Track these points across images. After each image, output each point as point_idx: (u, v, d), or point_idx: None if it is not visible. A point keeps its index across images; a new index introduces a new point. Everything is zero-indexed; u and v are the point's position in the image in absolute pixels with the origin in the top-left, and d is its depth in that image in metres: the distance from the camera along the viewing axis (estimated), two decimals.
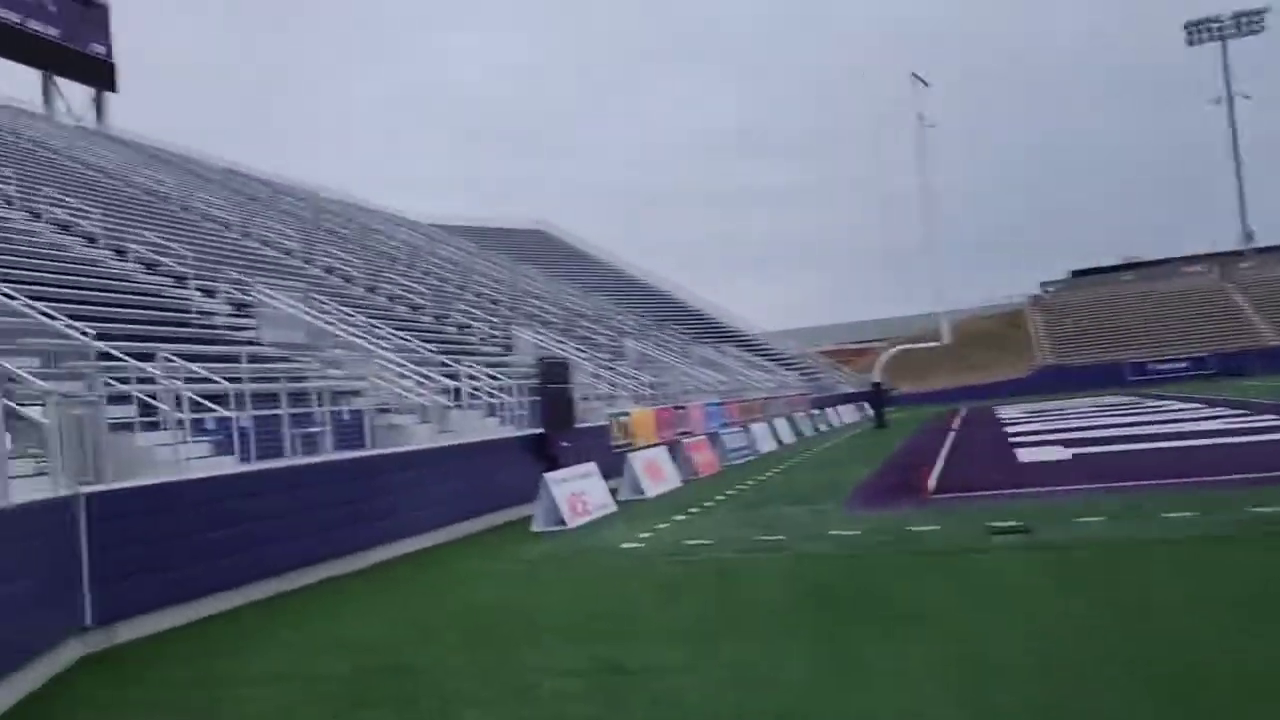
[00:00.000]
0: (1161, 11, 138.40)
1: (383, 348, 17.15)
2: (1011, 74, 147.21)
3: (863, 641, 6.23)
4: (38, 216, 19.88)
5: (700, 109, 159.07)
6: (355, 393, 14.91)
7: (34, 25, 41.29)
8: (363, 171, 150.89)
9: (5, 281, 12.66)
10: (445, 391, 16.76)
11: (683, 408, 25.87)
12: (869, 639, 6.28)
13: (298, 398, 12.59)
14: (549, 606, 8.42)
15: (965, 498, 12.97)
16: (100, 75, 44.72)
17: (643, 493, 16.85)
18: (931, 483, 14.29)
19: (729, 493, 16.52)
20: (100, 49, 44.60)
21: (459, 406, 16.79)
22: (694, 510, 14.30)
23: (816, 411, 40.41)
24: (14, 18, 40.11)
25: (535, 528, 13.30)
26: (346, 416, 13.78)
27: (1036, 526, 9.83)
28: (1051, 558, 8.46)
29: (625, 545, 11.23)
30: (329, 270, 27.22)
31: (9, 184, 21.09)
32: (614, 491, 16.26)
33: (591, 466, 15.44)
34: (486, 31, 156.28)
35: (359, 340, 16.66)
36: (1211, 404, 30.46)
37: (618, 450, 19.30)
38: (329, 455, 11.20)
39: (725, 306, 63.43)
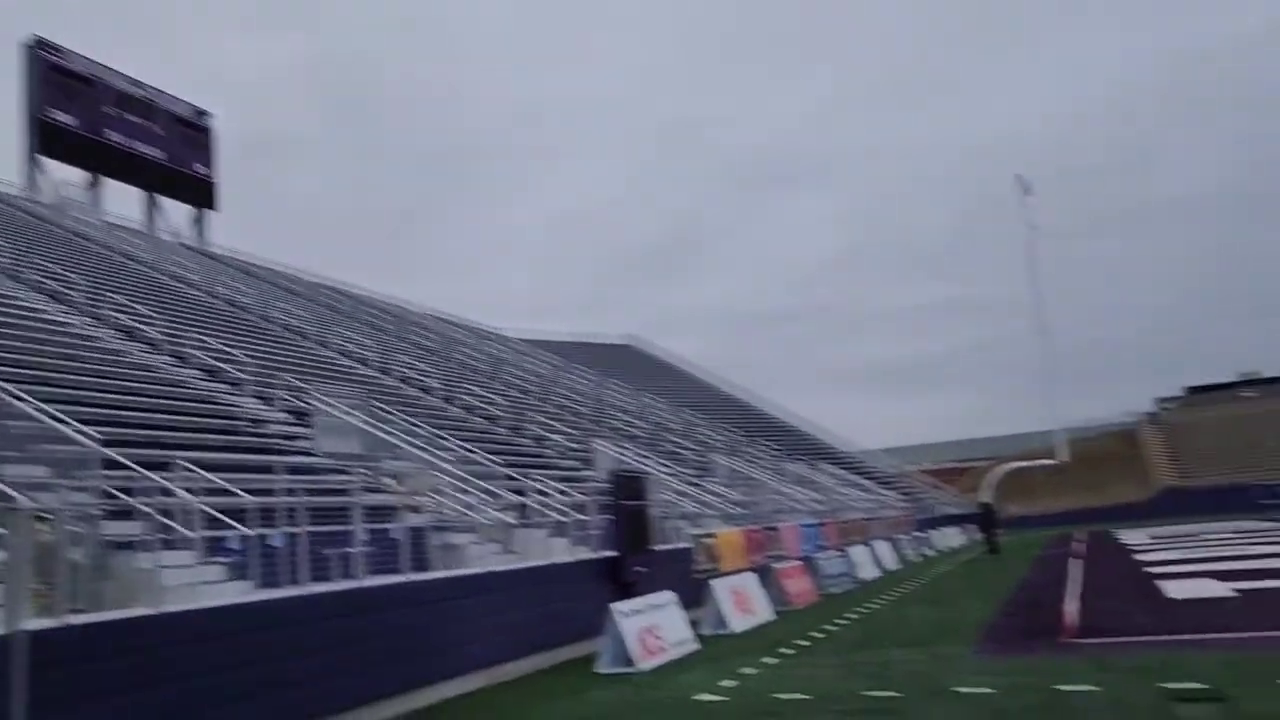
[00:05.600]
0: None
1: (445, 460, 15.80)
2: (1123, 190, 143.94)
3: None
4: (101, 321, 19.47)
5: (809, 232, 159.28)
6: (412, 509, 13.52)
7: (141, 148, 43.05)
8: (482, 299, 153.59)
9: (33, 384, 11.76)
10: (510, 508, 15.27)
11: (775, 528, 23.81)
12: None
13: (340, 513, 11.22)
14: None
15: (1116, 644, 10.74)
16: (201, 194, 46.24)
17: (727, 626, 14.89)
18: (1071, 623, 12.04)
19: (828, 629, 14.44)
20: (203, 169, 46.24)
21: (525, 525, 15.22)
22: (787, 651, 12.30)
23: (919, 534, 37.63)
24: (120, 139, 41.89)
25: (599, 668, 11.49)
26: (397, 535, 12.32)
27: (1230, 690, 7.67)
28: None
29: (702, 697, 9.34)
30: (404, 380, 26.37)
31: (76, 289, 20.86)
32: (695, 624, 14.37)
33: (669, 595, 13.61)
34: (604, 160, 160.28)
35: (419, 452, 15.36)
36: None
37: (701, 576, 17.40)
38: (359, 581, 9.70)
39: (819, 423, 61.16)
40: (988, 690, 8.60)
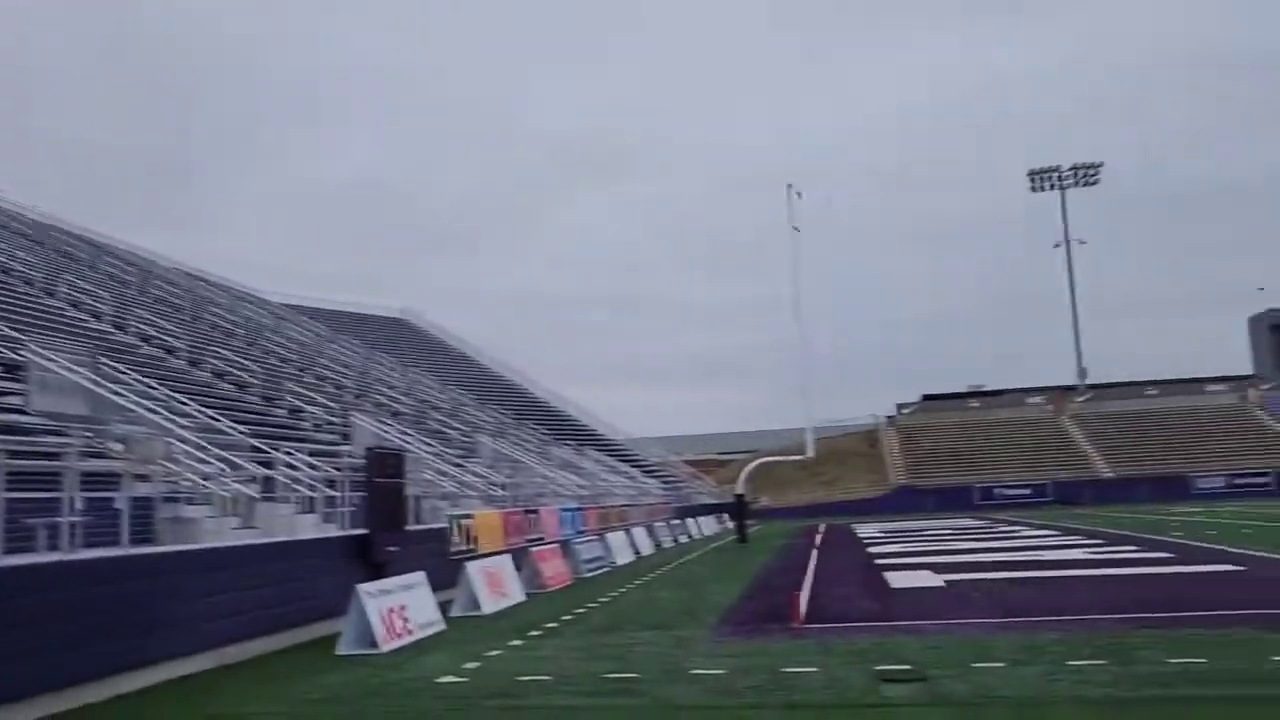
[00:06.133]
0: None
1: (184, 427, 14.69)
2: (887, 211, 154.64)
3: None
4: None
5: (599, 222, 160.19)
6: (141, 477, 12.46)
7: None
8: (255, 260, 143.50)
9: None
10: (255, 481, 14.41)
11: (535, 511, 23.87)
12: None
13: (53, 479, 10.15)
14: None
15: (840, 629, 11.49)
16: None
17: (479, 608, 14.75)
18: (802, 609, 12.78)
19: (578, 611, 14.61)
20: None
21: (270, 499, 14.40)
22: (535, 633, 12.32)
23: (676, 521, 38.94)
24: None
25: (340, 650, 11.06)
26: (121, 505, 11.32)
27: (930, 672, 8.36)
28: (961, 718, 6.93)
29: (444, 680, 9.17)
30: (145, 339, 24.34)
31: None
32: (447, 606, 14.15)
33: (419, 576, 13.30)
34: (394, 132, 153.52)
35: (153, 416, 14.19)
36: (1065, 531, 30.43)
37: (456, 557, 17.16)
38: (66, 554, 8.83)
39: (590, 409, 61.98)
40: (720, 671, 8.95)
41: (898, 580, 17.15)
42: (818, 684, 8.19)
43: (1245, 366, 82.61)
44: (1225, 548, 20.76)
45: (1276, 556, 18.15)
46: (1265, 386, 75.69)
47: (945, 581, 16.45)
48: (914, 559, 22.05)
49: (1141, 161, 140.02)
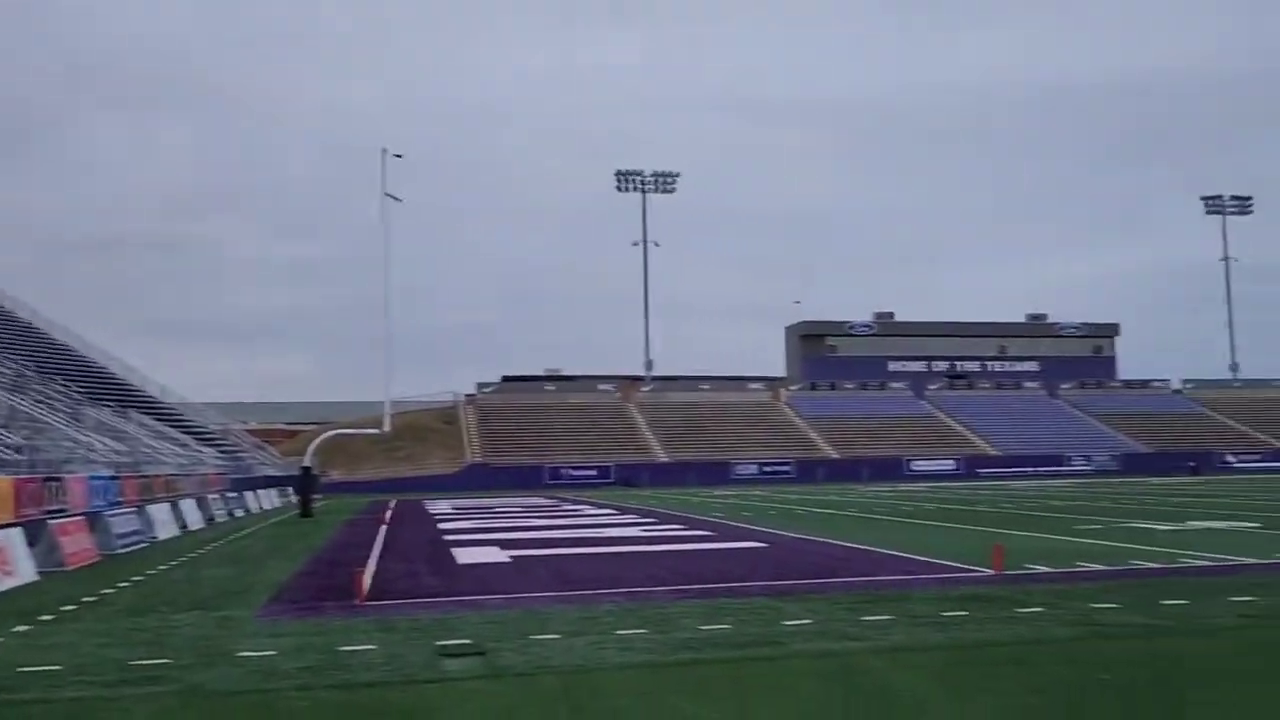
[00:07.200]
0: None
1: None
2: (482, 192, 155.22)
3: None
4: None
5: (157, 161, 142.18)
6: None
7: None
8: None
9: None
10: None
11: (59, 479, 20.81)
12: None
13: None
14: None
15: (404, 605, 11.25)
16: None
17: None
18: (365, 586, 12.33)
19: (105, 592, 12.93)
20: None
21: None
22: (47, 617, 10.68)
23: (233, 494, 36.21)
24: None
25: None
26: None
27: (490, 645, 8.41)
28: (515, 688, 6.99)
29: None
30: None
31: None
32: None
33: None
34: None
35: None
36: (622, 510, 32.69)
37: None
38: None
39: (138, 367, 55.68)
40: (270, 653, 8.31)
41: (465, 556, 17.24)
42: (376, 661, 7.88)
43: (780, 369, 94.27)
44: (755, 527, 23.48)
45: (794, 535, 20.85)
46: (794, 387, 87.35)
47: (511, 557, 16.81)
48: (483, 535, 22.37)
49: (713, 177, 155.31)
